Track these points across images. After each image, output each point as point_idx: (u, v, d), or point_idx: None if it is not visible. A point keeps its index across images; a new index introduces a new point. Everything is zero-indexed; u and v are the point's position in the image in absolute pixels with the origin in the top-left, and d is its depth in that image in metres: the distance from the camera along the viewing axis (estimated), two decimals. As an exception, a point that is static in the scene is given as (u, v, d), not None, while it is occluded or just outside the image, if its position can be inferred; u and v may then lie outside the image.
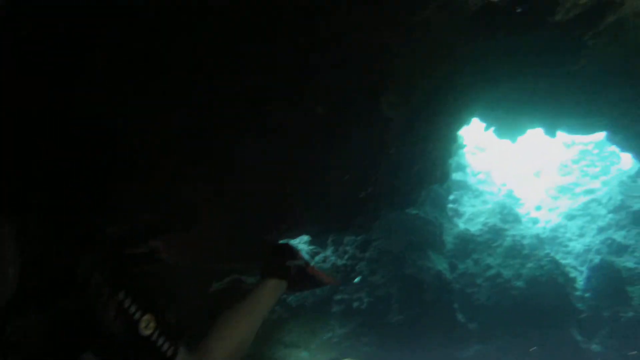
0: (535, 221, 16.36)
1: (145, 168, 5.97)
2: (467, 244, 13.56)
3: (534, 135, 13.11)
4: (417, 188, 10.11)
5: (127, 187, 6.05)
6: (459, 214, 14.61)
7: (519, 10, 7.81)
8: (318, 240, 11.70)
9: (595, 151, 17.82)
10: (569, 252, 15.30)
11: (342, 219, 9.35)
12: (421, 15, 7.38)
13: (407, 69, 8.14)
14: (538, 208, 17.18)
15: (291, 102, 6.67)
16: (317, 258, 11.69)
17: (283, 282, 3.25)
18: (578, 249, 15.29)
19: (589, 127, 13.17)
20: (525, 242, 14.06)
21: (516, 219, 15.11)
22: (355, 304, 11.73)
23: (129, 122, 5.52)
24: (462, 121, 10.77)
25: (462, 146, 14.89)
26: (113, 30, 5.15)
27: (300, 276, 3.39)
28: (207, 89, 5.76)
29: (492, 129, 12.37)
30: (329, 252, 11.87)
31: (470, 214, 14.72)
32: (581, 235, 15.77)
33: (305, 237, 11.49)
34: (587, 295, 13.81)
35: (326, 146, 7.57)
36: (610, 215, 15.55)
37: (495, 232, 14.03)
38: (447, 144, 10.35)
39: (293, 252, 3.38)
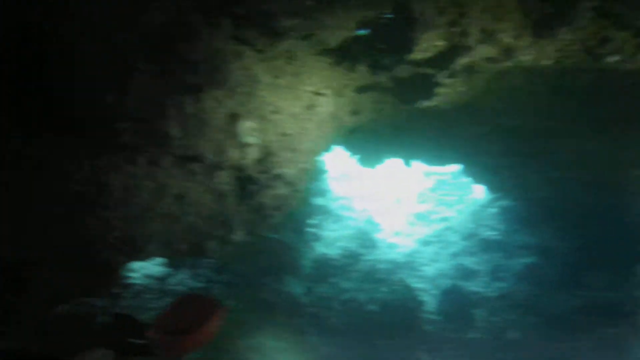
0: (392, 246, 16.87)
1: None
2: (325, 268, 13.73)
3: (397, 164, 13.56)
4: (276, 212, 10.10)
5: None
6: (318, 239, 14.79)
7: (380, 46, 8.09)
8: (173, 263, 11.36)
9: (452, 181, 18.74)
10: (422, 277, 15.85)
11: (197, 242, 9.15)
12: (283, 45, 7.47)
13: (271, 96, 8.18)
14: (396, 234, 17.75)
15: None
16: (171, 280, 11.35)
17: (110, 355, 2.87)
18: (431, 274, 15.90)
19: (444, 160, 13.87)
20: (381, 267, 14.47)
21: (374, 245, 15.52)
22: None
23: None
24: (323, 148, 10.92)
25: (324, 172, 15.13)
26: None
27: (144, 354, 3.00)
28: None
29: (356, 157, 12.70)
30: (184, 275, 11.56)
31: (330, 239, 14.94)
32: (435, 261, 16.42)
33: (160, 260, 11.13)
34: (436, 318, 14.36)
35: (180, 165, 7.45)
36: (462, 242, 16.36)
37: (353, 257, 14.33)
38: (307, 169, 10.44)
39: (137, 328, 2.95)
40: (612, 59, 7.96)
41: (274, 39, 7.23)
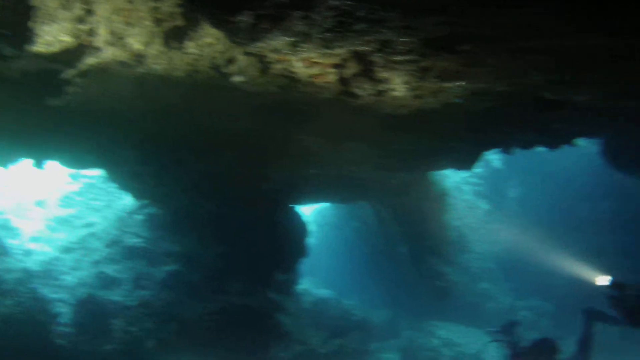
0: (29, 253, 15.61)
1: None
2: None
3: (35, 165, 12.48)
4: None
5: None
6: None
7: (4, 33, 7.35)
8: None
9: (99, 186, 18.00)
10: (61, 286, 14.94)
11: None
12: None
13: None
14: (35, 240, 16.46)
15: None
16: None
17: None
18: (71, 283, 15.06)
19: (82, 163, 13.24)
20: (10, 276, 13.17)
21: (6, 252, 14.15)
22: None
23: None
24: None
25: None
26: None
27: None
28: None
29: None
30: None
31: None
32: (76, 269, 15.61)
33: None
34: (69, 330, 13.59)
35: None
36: (106, 250, 15.80)
37: (-27, 267, 12.79)
38: None
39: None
40: (238, 78, 8.38)
41: None
